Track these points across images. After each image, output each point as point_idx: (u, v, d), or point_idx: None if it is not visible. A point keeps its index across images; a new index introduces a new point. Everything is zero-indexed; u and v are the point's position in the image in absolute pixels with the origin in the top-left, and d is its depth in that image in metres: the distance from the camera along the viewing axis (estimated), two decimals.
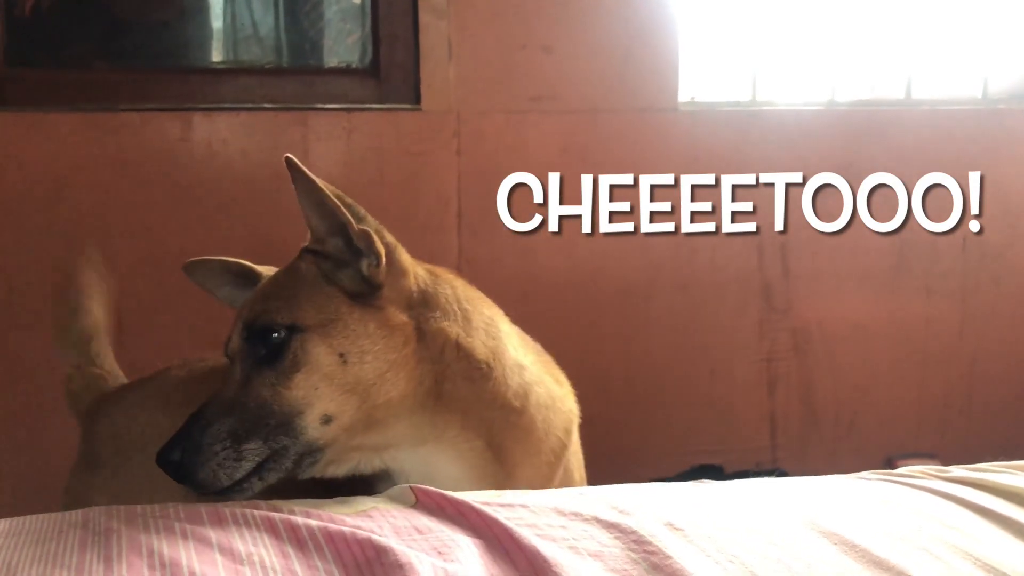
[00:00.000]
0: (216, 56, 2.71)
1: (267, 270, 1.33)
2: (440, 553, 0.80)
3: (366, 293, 1.13)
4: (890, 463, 2.88)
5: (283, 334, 1.08)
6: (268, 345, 1.08)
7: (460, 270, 2.61)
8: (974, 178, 2.83)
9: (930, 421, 2.91)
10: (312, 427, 1.05)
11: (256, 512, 0.88)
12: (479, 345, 1.15)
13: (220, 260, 1.36)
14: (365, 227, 1.16)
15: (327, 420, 1.05)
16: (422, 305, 1.16)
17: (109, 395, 1.53)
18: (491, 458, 1.14)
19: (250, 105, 2.48)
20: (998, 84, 2.94)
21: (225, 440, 1.01)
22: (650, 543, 0.83)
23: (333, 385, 1.06)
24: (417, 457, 1.12)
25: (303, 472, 1.06)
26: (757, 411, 2.81)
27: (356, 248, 1.15)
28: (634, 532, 0.86)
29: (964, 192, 2.85)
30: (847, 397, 2.85)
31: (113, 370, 1.62)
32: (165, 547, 0.79)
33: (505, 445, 1.14)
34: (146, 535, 0.82)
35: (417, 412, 1.11)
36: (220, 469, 1.00)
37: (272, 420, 1.03)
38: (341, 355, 1.07)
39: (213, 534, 0.82)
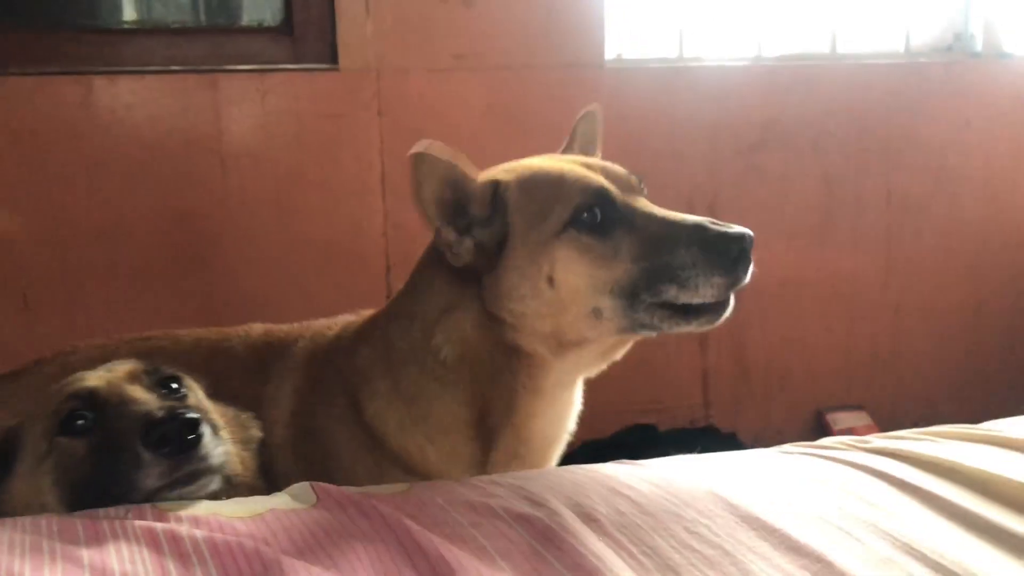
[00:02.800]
0: (123, 14, 2.55)
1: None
2: (334, 562, 0.75)
3: None
4: (820, 416, 2.92)
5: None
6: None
7: (386, 236, 2.56)
8: (897, 131, 2.86)
9: (858, 372, 2.96)
10: None
11: (139, 523, 0.81)
12: None
13: (447, 161, 1.20)
14: None
15: None
16: None
17: None
18: None
19: (155, 68, 2.35)
20: (919, 38, 2.95)
21: None
22: (562, 538, 0.79)
23: None
24: None
25: None
26: (690, 369, 2.82)
27: None
28: (546, 526, 0.82)
29: (888, 146, 2.87)
30: (777, 352, 2.87)
31: None
32: (27, 570, 0.72)
33: None
34: (9, 557, 0.75)
35: None
36: None
37: None
38: None
39: (86, 552, 0.76)
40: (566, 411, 1.31)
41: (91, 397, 1.03)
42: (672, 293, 1.13)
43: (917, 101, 2.85)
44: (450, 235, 1.20)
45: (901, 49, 2.91)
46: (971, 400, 2.93)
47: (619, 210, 1.18)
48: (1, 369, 1.57)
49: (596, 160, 1.31)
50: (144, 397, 1.02)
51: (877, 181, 2.86)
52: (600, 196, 1.18)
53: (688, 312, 1.16)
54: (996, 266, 2.99)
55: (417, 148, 1.17)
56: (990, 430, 1.16)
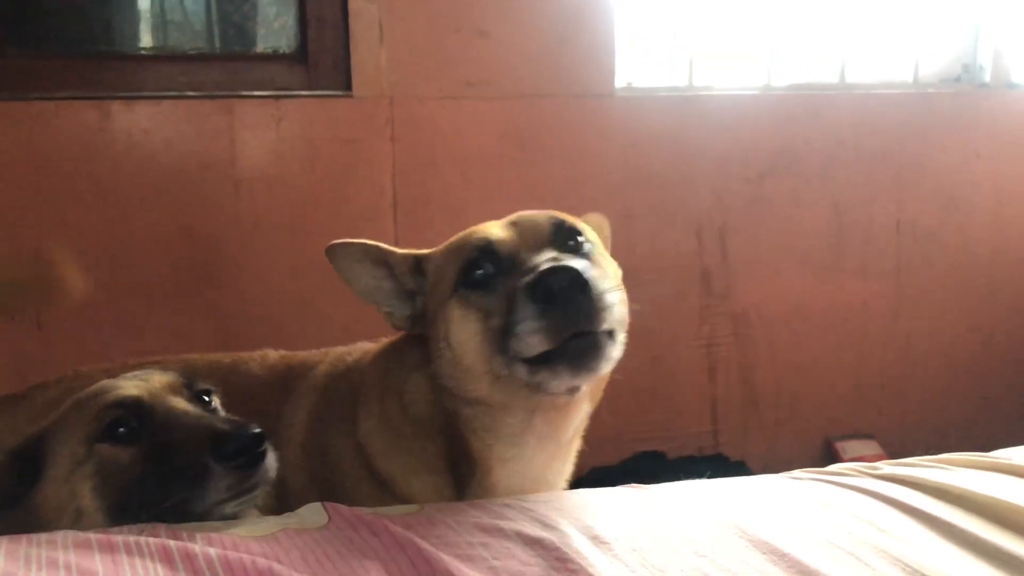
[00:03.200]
0: (141, 41, 2.59)
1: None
2: None
3: None
4: (829, 445, 2.91)
5: (583, 238, 1.22)
6: (574, 243, 1.20)
7: None
8: (906, 161, 2.87)
9: (867, 401, 2.95)
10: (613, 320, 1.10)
11: (152, 540, 0.82)
12: None
13: (363, 243, 1.27)
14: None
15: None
16: None
17: None
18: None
19: (173, 93, 2.38)
20: (928, 68, 2.97)
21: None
22: (573, 561, 0.80)
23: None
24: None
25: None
26: (699, 396, 2.82)
27: None
28: (557, 549, 0.82)
29: (897, 175, 2.88)
30: (786, 380, 2.87)
31: None
32: None
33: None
34: (26, 570, 0.75)
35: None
36: (603, 313, 1.06)
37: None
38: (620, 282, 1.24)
39: (101, 567, 0.76)
40: (543, 470, 1.24)
41: (136, 406, 1.03)
42: (514, 346, 1.06)
43: (926, 131, 2.86)
44: (381, 309, 1.25)
45: (910, 79, 2.94)
46: (981, 429, 2.91)
47: (505, 263, 1.13)
48: (16, 387, 1.59)
49: (527, 213, 1.25)
50: (191, 409, 1.03)
51: (886, 210, 2.87)
52: (483, 250, 1.15)
53: (549, 361, 1.06)
54: (1006, 295, 2.99)
55: (330, 244, 1.23)
56: (1000, 458, 1.16)
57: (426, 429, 1.22)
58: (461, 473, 1.21)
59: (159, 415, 1.02)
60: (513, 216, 1.24)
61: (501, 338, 1.07)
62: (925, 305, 2.93)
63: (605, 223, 1.39)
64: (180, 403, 1.05)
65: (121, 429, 1.02)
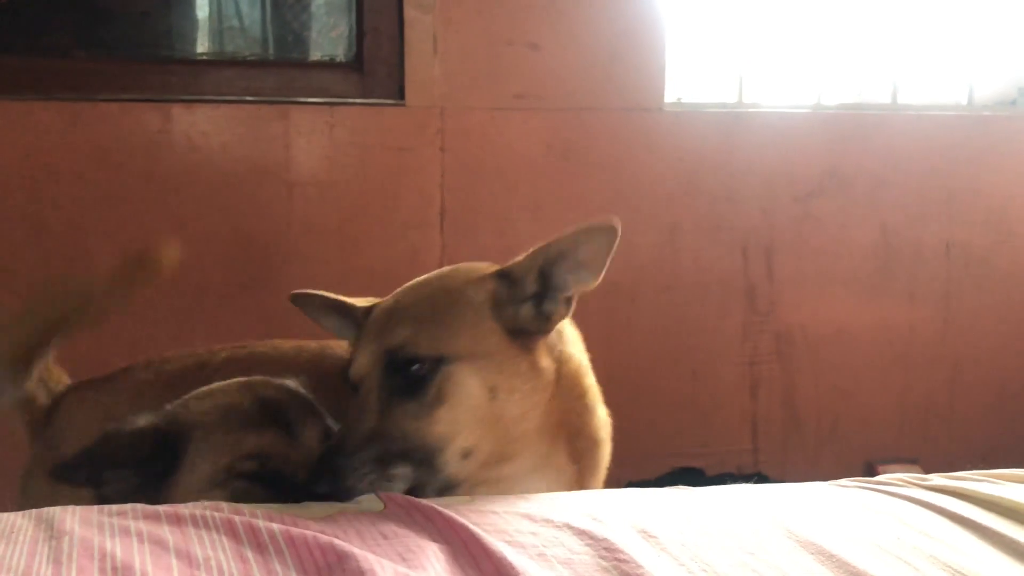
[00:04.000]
0: (199, 47, 2.67)
1: (364, 301, 1.28)
2: (404, 559, 0.78)
3: (530, 332, 1.12)
4: (871, 468, 2.87)
5: (427, 366, 1.06)
6: (409, 376, 1.06)
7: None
8: (959, 184, 2.84)
9: (912, 426, 2.91)
10: (453, 462, 1.06)
11: (217, 514, 0.85)
12: (593, 384, 1.21)
13: (322, 295, 1.33)
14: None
15: (467, 454, 1.06)
16: (559, 347, 1.17)
17: (69, 394, 1.48)
18: (576, 482, 1.18)
19: (231, 98, 2.45)
20: (983, 91, 2.94)
21: (372, 464, 1.02)
22: (622, 551, 0.81)
23: (477, 419, 1.06)
24: (524, 485, 1.13)
25: None
26: (739, 414, 2.80)
27: (550, 285, 1.13)
28: (605, 539, 0.83)
29: (949, 197, 2.85)
30: (829, 401, 2.84)
31: (58, 372, 1.56)
32: (119, 550, 0.76)
33: (587, 471, 1.20)
34: (100, 536, 0.79)
35: (543, 444, 1.13)
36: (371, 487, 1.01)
37: (416, 454, 1.04)
38: (491, 389, 1.07)
39: (170, 537, 0.80)
40: (544, 481, 1.17)
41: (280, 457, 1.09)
42: None
43: (980, 154, 2.83)
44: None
45: (964, 102, 2.91)
46: None
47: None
48: (76, 377, 1.64)
49: (385, 326, 1.14)
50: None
51: (936, 232, 2.84)
52: (344, 372, 1.20)
53: None
54: None
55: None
56: None
57: None
58: None
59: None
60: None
61: None
62: (974, 330, 2.89)
63: (599, 234, 1.17)
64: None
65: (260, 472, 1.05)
